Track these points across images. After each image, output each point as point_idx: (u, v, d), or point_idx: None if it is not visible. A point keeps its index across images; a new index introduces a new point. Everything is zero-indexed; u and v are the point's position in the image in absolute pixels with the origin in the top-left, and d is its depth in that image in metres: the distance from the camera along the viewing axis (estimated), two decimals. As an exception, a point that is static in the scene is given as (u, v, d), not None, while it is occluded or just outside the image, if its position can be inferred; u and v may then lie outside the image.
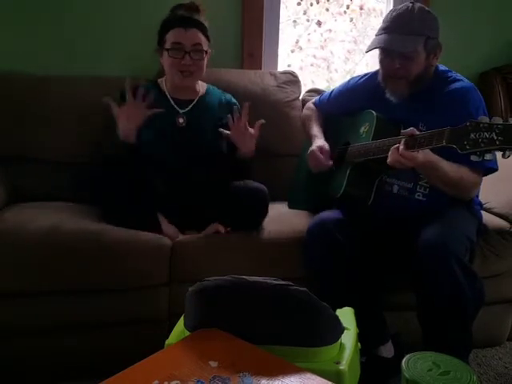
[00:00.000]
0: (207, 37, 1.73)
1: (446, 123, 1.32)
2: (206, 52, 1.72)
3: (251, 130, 1.68)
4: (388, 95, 1.61)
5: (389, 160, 1.40)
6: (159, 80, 1.83)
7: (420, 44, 1.51)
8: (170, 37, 1.68)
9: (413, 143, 1.37)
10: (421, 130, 1.54)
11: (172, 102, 1.77)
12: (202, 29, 1.71)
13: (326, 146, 1.71)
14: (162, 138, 1.71)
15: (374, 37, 1.58)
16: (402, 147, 1.37)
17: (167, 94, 1.78)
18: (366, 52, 1.59)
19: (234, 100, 1.87)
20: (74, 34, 2.10)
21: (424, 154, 1.38)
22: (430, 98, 1.58)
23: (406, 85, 1.56)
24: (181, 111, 1.76)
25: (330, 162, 1.68)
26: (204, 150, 1.73)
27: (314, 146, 1.72)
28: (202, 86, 1.84)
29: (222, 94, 1.87)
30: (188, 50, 1.67)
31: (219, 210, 1.65)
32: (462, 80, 1.60)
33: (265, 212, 1.67)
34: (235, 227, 1.63)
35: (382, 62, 1.59)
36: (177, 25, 1.68)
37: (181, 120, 1.75)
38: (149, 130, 1.70)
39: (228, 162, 1.75)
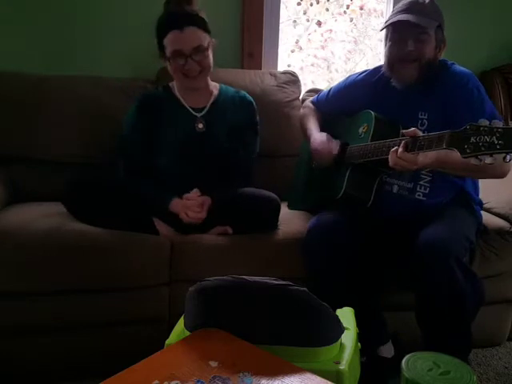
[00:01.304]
0: (205, 29, 1.63)
1: (445, 107, 1.30)
2: (208, 47, 1.64)
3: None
4: (394, 82, 1.60)
5: (390, 163, 1.40)
6: (170, 84, 1.77)
7: (433, 27, 1.52)
8: (168, 43, 1.61)
9: (412, 146, 1.36)
10: (422, 119, 1.54)
11: (188, 108, 1.72)
12: (198, 23, 1.61)
13: (325, 134, 1.70)
14: (185, 149, 1.68)
15: (387, 20, 1.58)
16: (400, 149, 1.36)
17: (181, 99, 1.73)
18: (381, 30, 1.59)
19: (248, 98, 1.80)
20: (74, 34, 2.10)
21: (425, 155, 1.36)
22: (429, 86, 1.57)
23: (416, 69, 1.54)
24: (198, 115, 1.72)
25: (337, 146, 1.66)
26: (220, 159, 1.70)
27: (313, 138, 1.71)
28: (214, 87, 1.78)
29: (236, 93, 1.81)
30: (188, 54, 1.60)
31: (225, 215, 1.64)
32: (458, 66, 1.60)
33: (276, 222, 1.67)
34: (243, 233, 1.62)
35: (393, 46, 1.56)
36: (172, 27, 1.59)
37: (200, 125, 1.70)
38: (170, 144, 1.67)
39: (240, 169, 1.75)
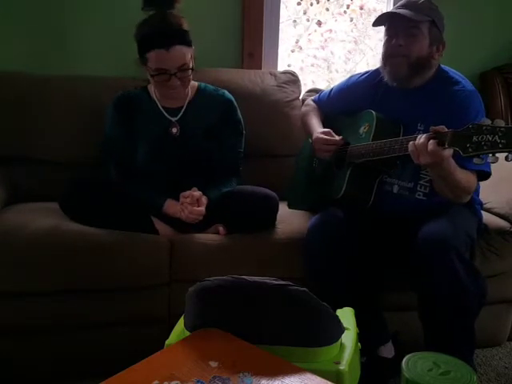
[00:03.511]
0: (190, 44, 1.59)
1: (445, 125, 1.32)
2: (191, 61, 1.61)
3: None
4: (386, 78, 1.61)
5: (420, 159, 1.34)
6: (149, 86, 1.76)
7: (426, 23, 1.53)
8: (152, 60, 1.57)
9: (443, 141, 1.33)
10: (419, 130, 1.55)
11: (163, 112, 1.71)
12: (184, 40, 1.57)
13: (328, 129, 1.69)
14: (158, 151, 1.68)
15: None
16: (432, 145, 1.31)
17: (157, 102, 1.72)
18: (373, 25, 1.60)
19: (226, 96, 1.78)
20: (74, 34, 2.10)
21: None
22: (430, 99, 1.57)
23: (405, 65, 1.55)
24: (173, 119, 1.71)
25: (340, 137, 1.65)
26: (197, 160, 1.70)
27: (316, 133, 1.70)
28: (192, 86, 1.74)
29: (215, 91, 1.78)
30: (173, 73, 1.58)
31: (223, 213, 1.64)
32: (463, 83, 1.59)
33: (274, 220, 1.68)
34: (241, 232, 1.63)
35: (386, 40, 1.59)
36: (157, 46, 1.54)
37: (174, 130, 1.69)
38: (143, 146, 1.68)
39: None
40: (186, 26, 1.60)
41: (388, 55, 1.58)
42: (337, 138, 1.66)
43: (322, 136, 1.68)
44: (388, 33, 1.58)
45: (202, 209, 1.59)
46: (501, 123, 1.19)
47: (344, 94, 1.80)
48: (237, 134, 1.80)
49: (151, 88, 1.75)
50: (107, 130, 1.73)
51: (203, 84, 1.80)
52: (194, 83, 1.76)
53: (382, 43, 1.61)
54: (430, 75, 1.60)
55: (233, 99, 1.79)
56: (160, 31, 1.56)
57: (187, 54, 1.59)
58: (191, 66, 1.62)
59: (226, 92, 1.80)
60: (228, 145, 1.77)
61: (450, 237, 1.36)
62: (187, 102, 1.73)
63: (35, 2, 2.05)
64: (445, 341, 1.40)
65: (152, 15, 1.60)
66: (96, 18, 2.11)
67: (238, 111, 1.81)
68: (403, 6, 1.55)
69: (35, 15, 2.06)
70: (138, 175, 1.69)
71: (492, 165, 1.50)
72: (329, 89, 1.91)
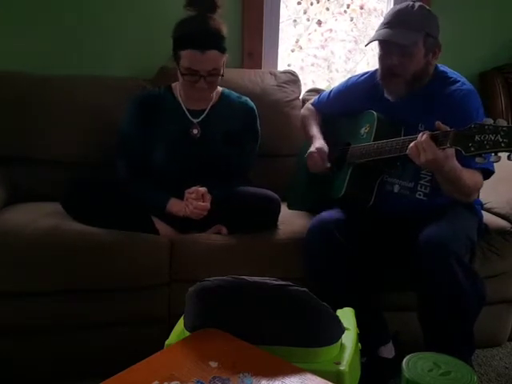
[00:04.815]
0: (224, 50, 1.62)
1: (446, 125, 1.32)
2: (222, 67, 1.63)
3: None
4: (386, 94, 1.61)
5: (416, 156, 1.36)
6: (173, 85, 1.76)
7: (419, 39, 1.51)
8: (185, 58, 1.58)
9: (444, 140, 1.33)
10: (421, 131, 1.54)
11: (186, 112, 1.71)
12: (220, 46, 1.60)
13: (325, 147, 1.70)
14: (176, 151, 1.68)
15: (375, 32, 1.57)
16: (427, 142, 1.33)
17: (181, 102, 1.72)
18: (366, 45, 1.59)
19: (249, 104, 1.79)
20: (73, 34, 2.10)
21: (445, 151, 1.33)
22: (429, 99, 1.57)
23: (403, 84, 1.56)
24: (194, 121, 1.71)
25: (328, 165, 1.67)
26: (214, 164, 1.70)
27: (312, 148, 1.71)
28: (215, 92, 1.74)
29: (238, 98, 1.79)
30: (203, 75, 1.59)
31: (224, 213, 1.64)
32: (461, 82, 1.58)
33: (276, 221, 1.68)
34: (243, 233, 1.63)
35: (380, 58, 1.58)
36: (193, 46, 1.56)
37: (195, 131, 1.69)
38: (162, 146, 1.67)
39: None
40: (224, 32, 1.62)
41: (385, 73, 1.58)
42: (327, 164, 1.67)
43: (315, 156, 1.67)
44: (382, 48, 1.56)
45: (207, 204, 1.59)
46: (503, 123, 1.19)
47: (343, 95, 1.80)
48: (254, 142, 1.81)
49: (176, 87, 1.75)
50: (124, 126, 1.72)
51: (227, 90, 1.80)
52: (218, 88, 1.76)
53: (378, 57, 1.59)
54: (429, 78, 1.59)
55: (255, 107, 1.80)
56: (198, 33, 1.57)
57: (220, 59, 1.61)
58: (221, 72, 1.63)
59: (249, 100, 1.80)
60: (245, 151, 1.77)
61: (451, 241, 1.36)
62: (210, 105, 1.74)
63: (35, 1, 2.05)
64: (444, 342, 1.40)
65: (194, 16, 1.61)
66: (96, 19, 2.11)
67: (258, 120, 1.81)
68: (394, 25, 1.51)
69: (35, 15, 2.06)
70: (149, 175, 1.69)
71: (494, 164, 1.50)
72: (328, 90, 1.91)
